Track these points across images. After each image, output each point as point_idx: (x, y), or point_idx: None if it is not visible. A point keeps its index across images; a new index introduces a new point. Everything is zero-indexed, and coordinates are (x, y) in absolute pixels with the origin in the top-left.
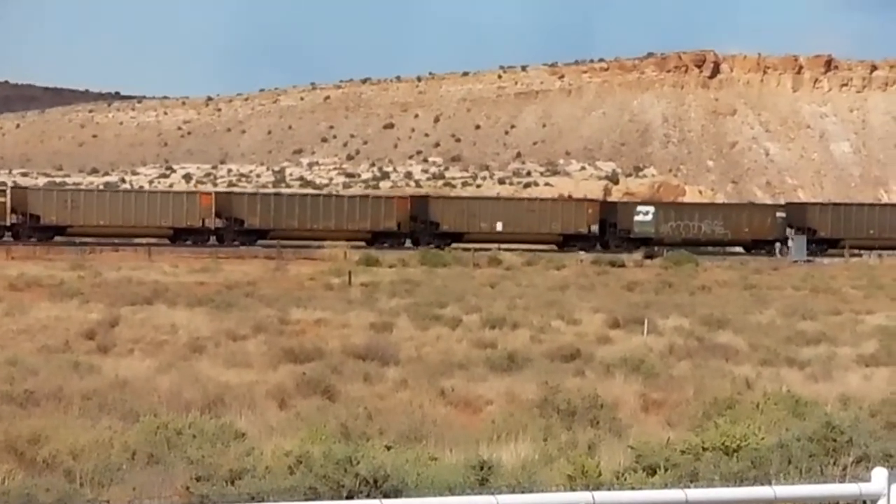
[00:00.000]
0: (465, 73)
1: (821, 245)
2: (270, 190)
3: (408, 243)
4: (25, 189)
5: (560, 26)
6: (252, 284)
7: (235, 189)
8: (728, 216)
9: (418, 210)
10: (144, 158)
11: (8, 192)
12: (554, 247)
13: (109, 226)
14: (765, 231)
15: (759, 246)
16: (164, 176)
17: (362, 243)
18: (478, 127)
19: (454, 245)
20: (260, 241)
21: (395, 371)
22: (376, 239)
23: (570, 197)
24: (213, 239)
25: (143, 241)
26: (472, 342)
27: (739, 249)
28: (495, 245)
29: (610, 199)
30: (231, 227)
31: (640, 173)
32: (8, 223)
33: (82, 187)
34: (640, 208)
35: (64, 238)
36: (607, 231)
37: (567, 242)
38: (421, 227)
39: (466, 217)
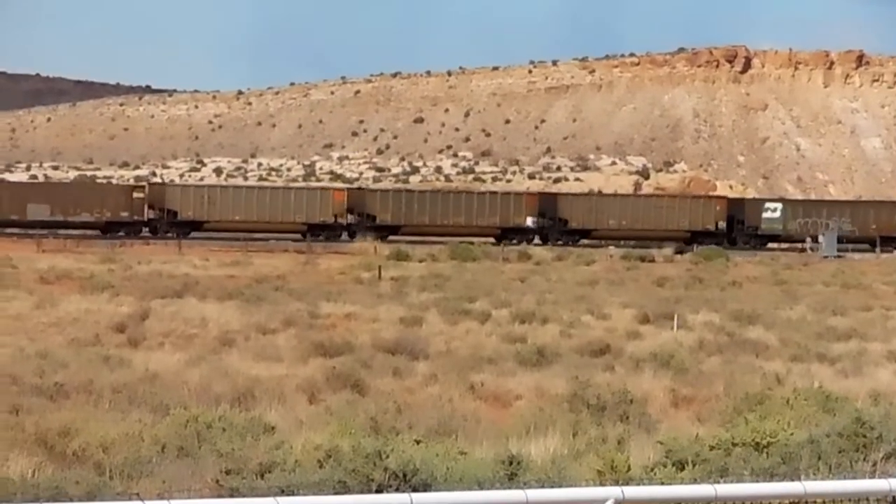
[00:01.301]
0: (496, 68)
1: None
2: (402, 186)
3: (536, 240)
4: (164, 185)
5: (591, 20)
6: (282, 278)
7: (369, 186)
8: (856, 213)
9: (546, 207)
10: (175, 152)
11: (146, 187)
12: (682, 243)
13: (245, 221)
14: (892, 228)
15: (885, 243)
16: (195, 170)
17: (492, 239)
18: (508, 121)
19: (582, 242)
20: (391, 237)
21: (425, 365)
22: (505, 235)
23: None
24: (344, 235)
25: (276, 236)
26: (502, 337)
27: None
28: (623, 241)
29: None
30: (363, 222)
31: (671, 168)
32: (145, 218)
33: (219, 183)
34: (768, 205)
35: (201, 233)
36: (735, 228)
37: (695, 239)
38: (549, 223)
39: (595, 214)
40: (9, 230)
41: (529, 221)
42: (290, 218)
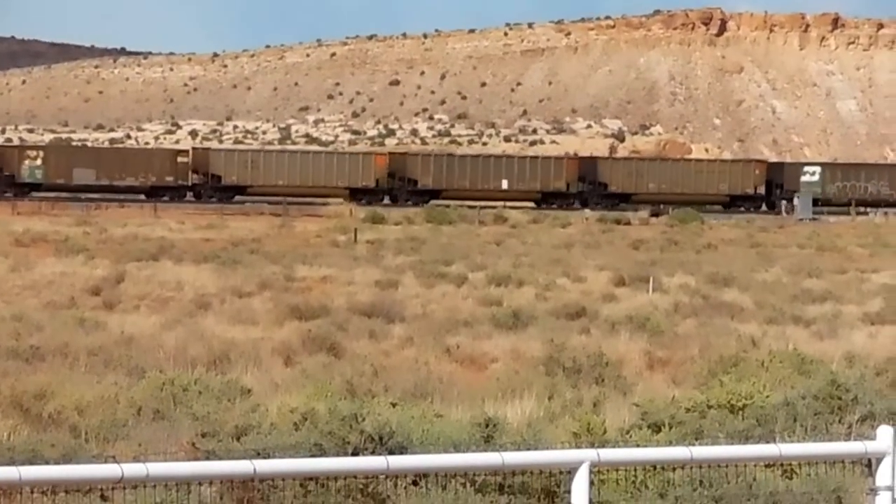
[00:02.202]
0: (472, 31)
1: None
2: (444, 150)
3: (576, 204)
4: (207, 150)
5: None
6: (258, 241)
7: (410, 150)
8: (894, 177)
9: (587, 171)
10: (150, 115)
11: (189, 152)
12: (720, 207)
13: (288, 186)
14: None
15: None
16: (170, 132)
17: (532, 204)
18: (484, 84)
19: (622, 206)
20: (433, 201)
21: (401, 328)
22: (545, 199)
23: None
24: (386, 199)
25: (328, 200)
26: (478, 300)
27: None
28: (661, 206)
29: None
30: (405, 187)
31: (647, 131)
32: (189, 183)
33: (263, 148)
34: (806, 168)
35: (244, 197)
36: (773, 191)
37: (734, 202)
38: (590, 188)
39: (635, 178)
40: (55, 194)
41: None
42: (332, 182)
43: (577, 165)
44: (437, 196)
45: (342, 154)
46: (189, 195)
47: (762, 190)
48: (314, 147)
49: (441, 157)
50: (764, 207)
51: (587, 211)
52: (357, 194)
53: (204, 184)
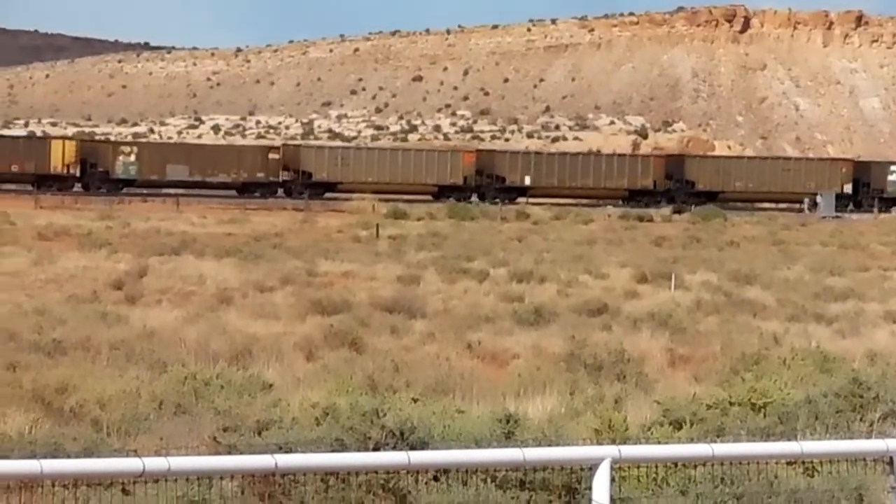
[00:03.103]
0: (495, 27)
1: None
2: (532, 148)
3: (662, 202)
4: (299, 147)
5: None
6: (280, 236)
7: (497, 147)
8: None
9: (674, 169)
10: (173, 109)
11: (281, 149)
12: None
13: (377, 182)
14: None
15: None
16: (193, 127)
17: (619, 202)
18: (506, 80)
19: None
20: (520, 199)
21: (422, 324)
22: (633, 197)
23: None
24: (474, 196)
25: (407, 197)
26: (500, 296)
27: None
28: (750, 204)
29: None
30: (492, 184)
31: (670, 128)
32: (280, 179)
33: (354, 145)
34: (893, 168)
35: (335, 194)
36: (860, 190)
37: None
38: (677, 185)
39: (722, 176)
40: (147, 190)
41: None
42: (421, 179)
43: (664, 163)
44: (525, 194)
45: (431, 151)
46: (280, 192)
47: (849, 188)
48: (406, 144)
49: (529, 155)
50: (851, 206)
51: (610, 207)
52: (445, 191)
53: (294, 180)
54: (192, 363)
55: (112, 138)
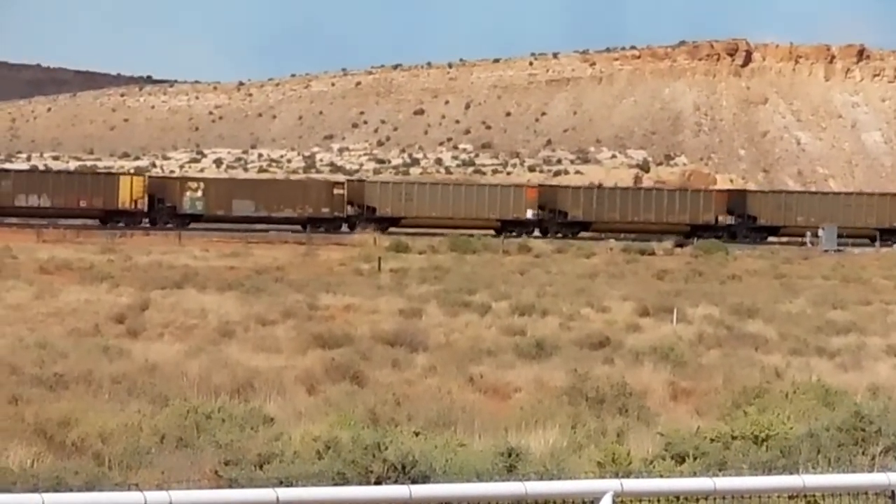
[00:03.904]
0: (496, 60)
1: None
2: (592, 184)
3: (724, 236)
4: (363, 182)
5: (591, 13)
6: (281, 269)
7: (560, 183)
8: None
9: (735, 204)
10: (175, 143)
11: (345, 184)
12: (867, 240)
13: (441, 217)
14: None
15: None
16: (195, 160)
17: (681, 236)
18: (508, 114)
19: (772, 239)
20: (582, 233)
21: (424, 357)
22: (694, 232)
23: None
24: (536, 231)
25: (478, 232)
26: (501, 329)
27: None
28: (808, 238)
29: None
30: (555, 218)
31: (671, 162)
32: (345, 214)
33: (417, 180)
34: None
35: (398, 228)
36: None
37: (883, 235)
38: (738, 220)
39: (784, 211)
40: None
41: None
42: (484, 214)
43: (727, 198)
44: (587, 228)
45: (494, 187)
46: (344, 226)
47: None
48: (469, 179)
49: (591, 190)
50: None
51: (612, 241)
52: (508, 225)
53: (359, 215)
54: (194, 397)
55: (114, 170)
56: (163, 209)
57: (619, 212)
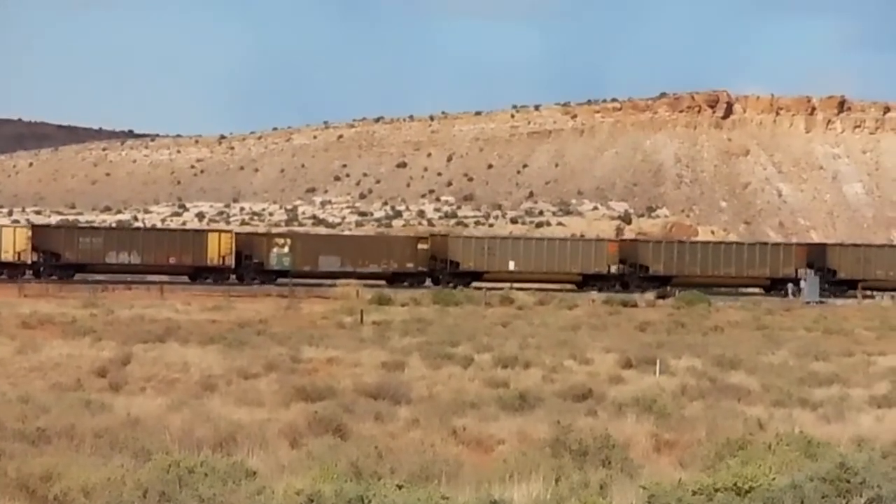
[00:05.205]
0: (478, 113)
1: None
2: (675, 237)
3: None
4: (446, 237)
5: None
6: (264, 322)
7: (641, 238)
8: None
9: (815, 257)
10: (157, 196)
11: (429, 239)
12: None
13: (522, 272)
14: None
15: None
16: (177, 214)
17: (760, 290)
18: (490, 166)
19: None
20: (664, 286)
21: (407, 410)
22: (773, 286)
23: None
24: (618, 285)
25: (551, 286)
26: (484, 381)
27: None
28: (890, 292)
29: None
30: (636, 272)
31: (653, 213)
32: (428, 269)
33: (499, 235)
34: None
35: (480, 283)
36: None
37: None
38: (818, 273)
39: (863, 264)
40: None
41: (802, 274)
42: (565, 268)
43: (806, 252)
44: (668, 282)
45: (575, 241)
46: (427, 281)
47: None
48: (551, 233)
49: (672, 244)
50: None
51: (594, 293)
52: (589, 280)
53: (442, 270)
54: (177, 451)
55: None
56: (250, 265)
57: (700, 266)
